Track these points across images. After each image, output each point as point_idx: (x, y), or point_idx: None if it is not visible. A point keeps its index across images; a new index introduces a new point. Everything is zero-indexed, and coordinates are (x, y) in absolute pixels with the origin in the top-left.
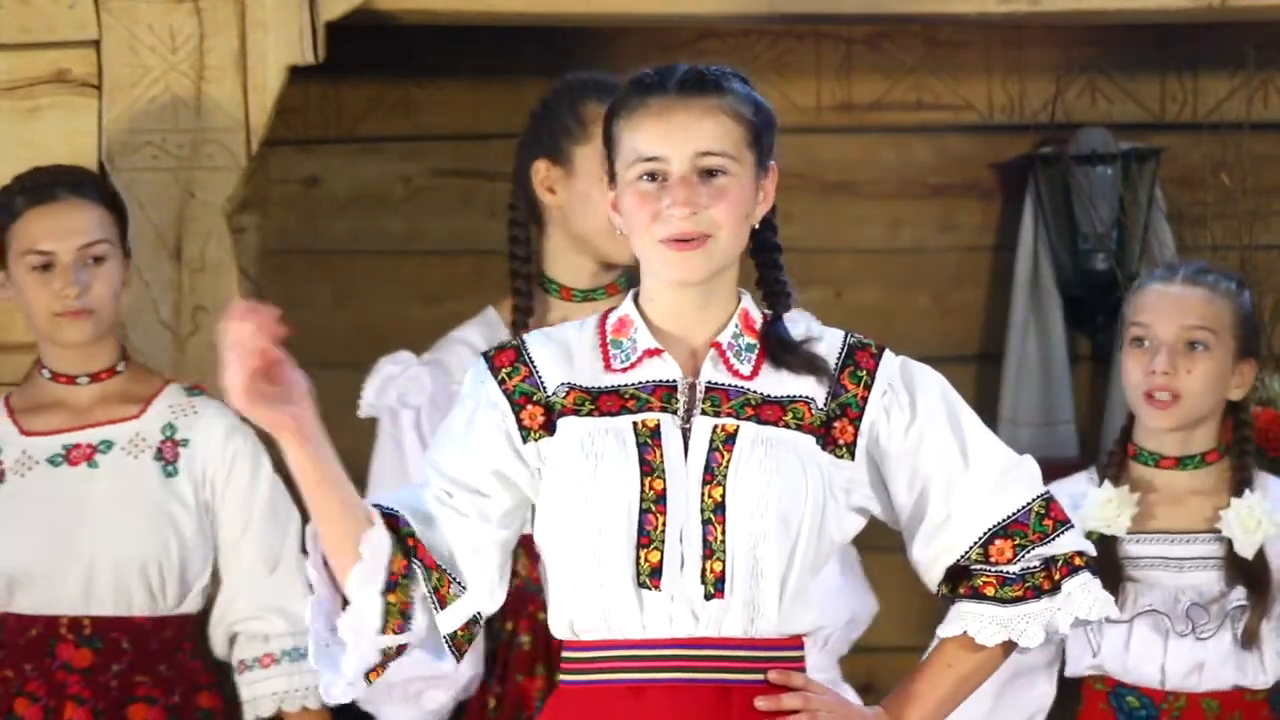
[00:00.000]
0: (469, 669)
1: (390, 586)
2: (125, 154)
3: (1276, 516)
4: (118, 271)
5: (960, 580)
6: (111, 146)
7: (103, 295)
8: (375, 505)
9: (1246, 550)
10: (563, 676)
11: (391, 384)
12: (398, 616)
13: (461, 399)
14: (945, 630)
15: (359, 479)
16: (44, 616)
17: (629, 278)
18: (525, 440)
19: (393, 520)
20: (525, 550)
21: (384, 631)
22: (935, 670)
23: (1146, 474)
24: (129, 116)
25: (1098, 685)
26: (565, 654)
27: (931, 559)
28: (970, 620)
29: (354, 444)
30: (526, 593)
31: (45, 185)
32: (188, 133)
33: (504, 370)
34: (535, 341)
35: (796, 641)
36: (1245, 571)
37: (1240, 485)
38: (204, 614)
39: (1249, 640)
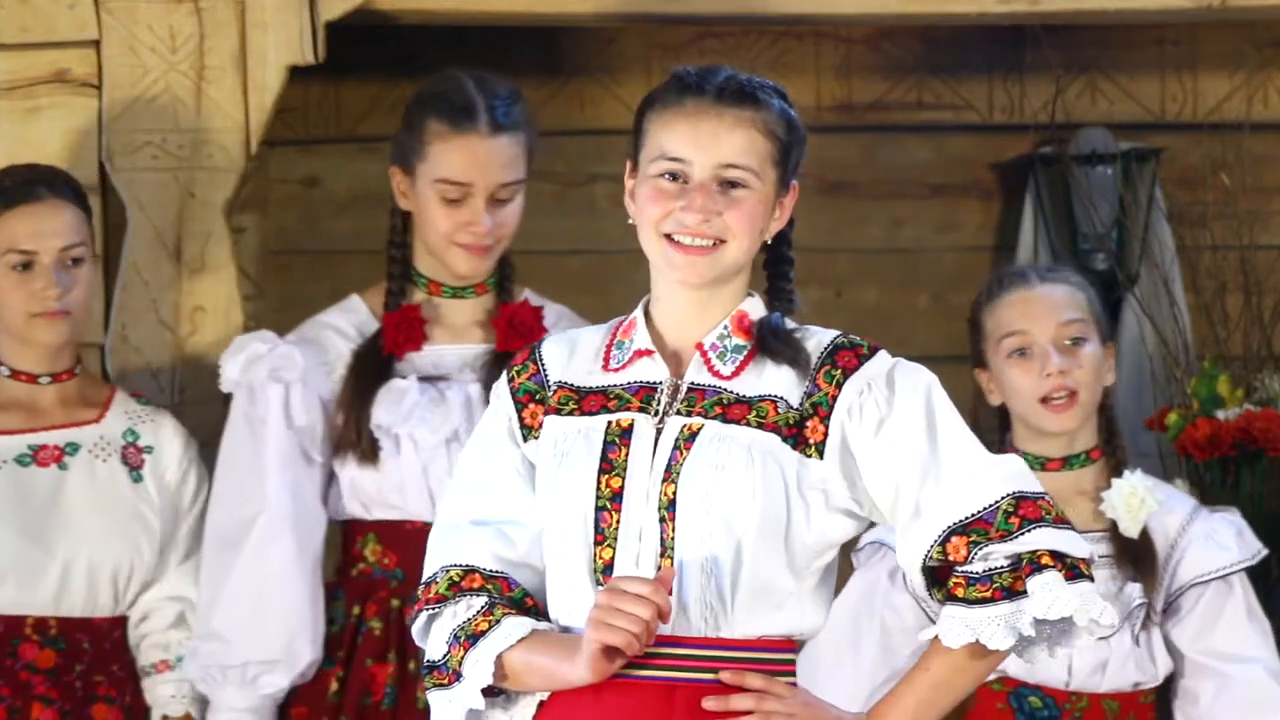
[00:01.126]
0: (309, 653)
1: None
2: (125, 154)
3: (1157, 493)
4: (93, 274)
5: (945, 583)
6: (111, 146)
7: (80, 298)
8: (502, 574)
9: (1131, 529)
10: None
11: (260, 361)
12: None
13: (490, 413)
14: (924, 634)
15: None
16: (8, 616)
17: (498, 278)
18: (525, 439)
19: (508, 584)
20: (377, 536)
21: None
22: (912, 674)
23: None
24: (129, 116)
25: (995, 686)
26: None
27: (909, 561)
28: (942, 623)
29: None
30: (376, 578)
31: (27, 184)
32: (188, 133)
33: (516, 368)
34: (549, 341)
35: (778, 644)
36: (1132, 552)
37: (1117, 469)
38: None
39: (1148, 621)
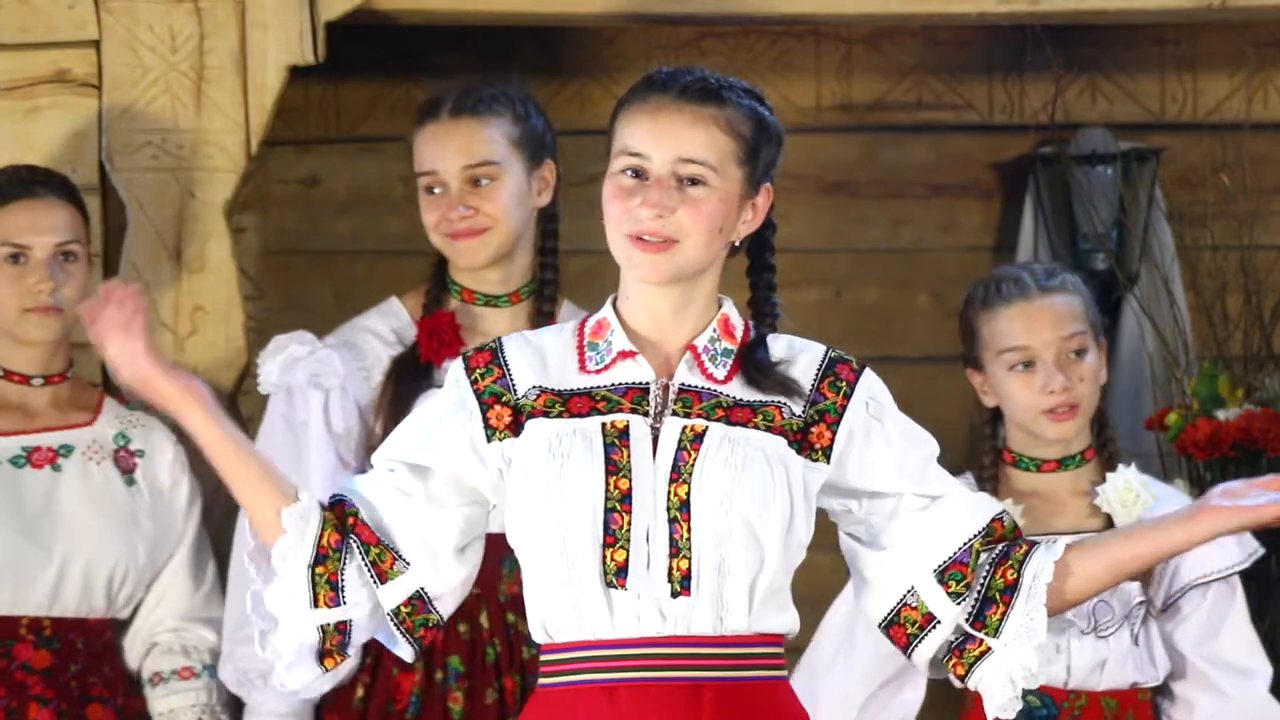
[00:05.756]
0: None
1: (319, 559)
2: (125, 154)
3: (1152, 488)
4: (86, 275)
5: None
6: (111, 146)
7: (72, 296)
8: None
9: (1126, 524)
10: (540, 679)
11: (299, 364)
12: (328, 588)
13: (438, 395)
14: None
15: None
16: (2, 617)
17: (535, 286)
18: (489, 440)
19: (339, 503)
20: None
21: (315, 605)
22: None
23: (1028, 479)
24: (129, 116)
25: None
26: (542, 656)
27: (925, 563)
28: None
29: None
30: None
31: (25, 182)
32: (188, 133)
33: (478, 370)
34: (512, 344)
35: (772, 639)
36: None
37: (1110, 463)
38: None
39: (1146, 620)
